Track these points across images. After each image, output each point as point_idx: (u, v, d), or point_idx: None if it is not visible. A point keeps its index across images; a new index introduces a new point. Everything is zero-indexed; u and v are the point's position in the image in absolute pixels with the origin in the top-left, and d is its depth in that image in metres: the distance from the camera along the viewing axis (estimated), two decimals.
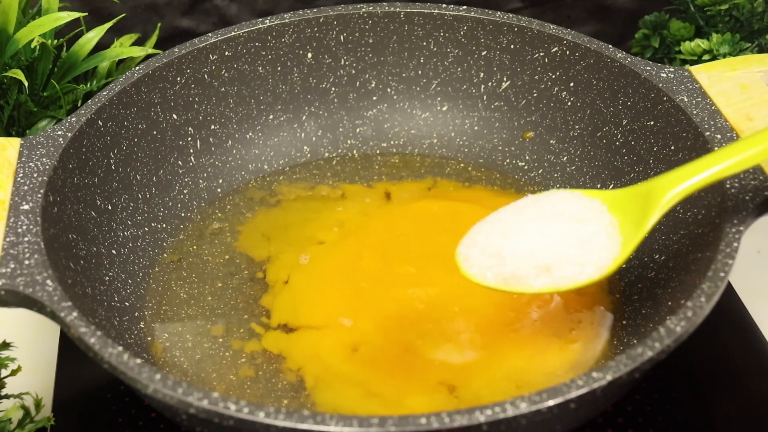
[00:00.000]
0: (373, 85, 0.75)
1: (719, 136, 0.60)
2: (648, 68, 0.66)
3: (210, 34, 0.71)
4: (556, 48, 0.70)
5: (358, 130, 0.76)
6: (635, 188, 0.55)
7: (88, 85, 0.76)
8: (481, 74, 0.74)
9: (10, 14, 0.72)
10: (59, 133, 0.62)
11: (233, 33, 0.71)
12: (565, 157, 0.71)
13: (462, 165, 0.74)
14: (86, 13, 0.78)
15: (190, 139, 0.71)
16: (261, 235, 0.69)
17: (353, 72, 0.75)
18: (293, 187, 0.73)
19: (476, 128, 0.75)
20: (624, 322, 0.61)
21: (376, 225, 0.69)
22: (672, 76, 0.65)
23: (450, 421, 0.45)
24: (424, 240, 0.67)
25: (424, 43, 0.74)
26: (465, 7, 0.72)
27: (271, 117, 0.74)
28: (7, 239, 0.55)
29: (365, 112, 0.76)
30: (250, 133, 0.74)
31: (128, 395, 0.61)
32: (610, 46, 0.68)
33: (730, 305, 0.67)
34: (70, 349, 0.64)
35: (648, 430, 0.59)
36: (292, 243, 0.68)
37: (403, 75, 0.75)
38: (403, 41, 0.74)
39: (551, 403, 0.45)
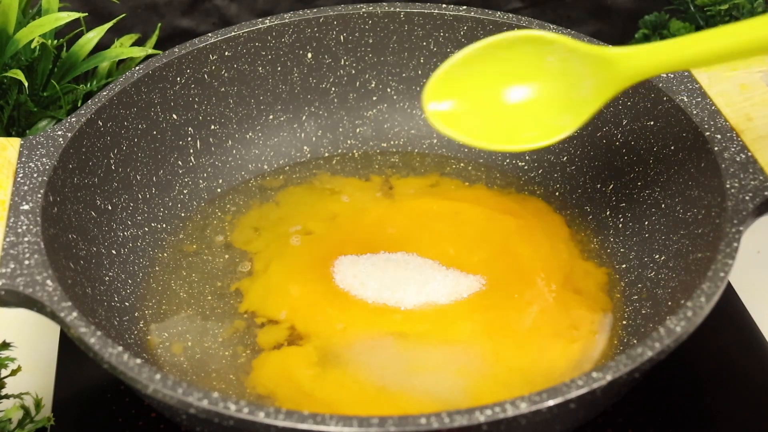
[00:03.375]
0: (373, 85, 0.75)
1: (719, 136, 0.60)
2: None
3: (210, 34, 0.71)
4: None
5: (358, 130, 0.76)
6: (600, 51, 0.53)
7: (88, 85, 0.76)
8: None
9: (10, 14, 0.72)
10: (59, 133, 0.62)
11: (233, 33, 0.71)
12: (565, 157, 0.71)
13: (462, 164, 0.74)
14: (86, 13, 0.78)
15: (190, 139, 0.71)
16: (252, 228, 0.69)
17: (353, 72, 0.75)
18: (291, 184, 0.73)
19: None
20: (624, 322, 0.61)
21: (368, 219, 0.69)
22: (672, 76, 0.65)
23: (450, 421, 0.45)
24: (416, 234, 0.67)
25: (424, 43, 0.74)
26: (465, 7, 0.72)
27: (271, 117, 0.74)
28: (7, 239, 0.55)
29: (365, 112, 0.76)
30: (250, 133, 0.74)
31: (128, 395, 0.61)
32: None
33: (730, 305, 0.67)
34: (70, 349, 0.64)
35: (648, 430, 0.59)
36: (281, 234, 0.68)
37: (403, 75, 0.75)
38: (403, 41, 0.74)
39: (551, 403, 0.45)
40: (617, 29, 0.92)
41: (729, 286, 0.68)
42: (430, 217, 0.68)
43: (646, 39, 0.84)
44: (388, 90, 0.75)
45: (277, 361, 0.60)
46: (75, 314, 0.51)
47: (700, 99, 0.63)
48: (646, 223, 0.64)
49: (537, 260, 0.65)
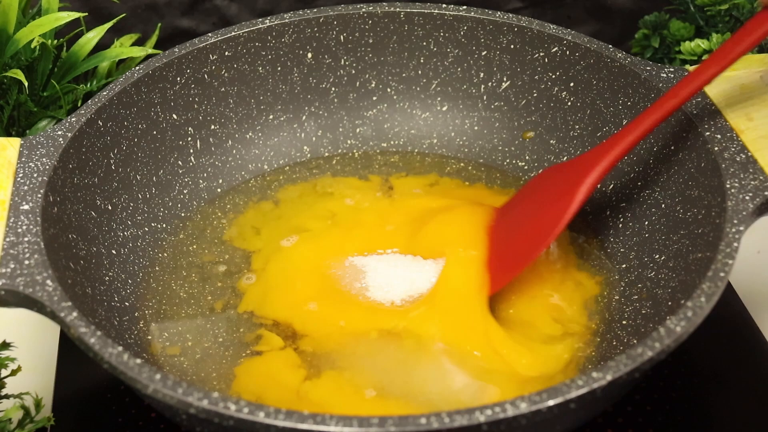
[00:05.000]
0: (373, 85, 0.75)
1: (719, 136, 0.60)
2: (648, 68, 0.66)
3: (210, 34, 0.71)
4: (556, 48, 0.70)
5: (358, 130, 0.76)
6: None
7: (88, 85, 0.76)
8: (481, 74, 0.74)
9: (10, 14, 0.72)
10: (59, 133, 0.62)
11: (233, 33, 0.71)
12: (565, 157, 0.71)
13: (462, 165, 0.74)
14: (86, 13, 0.78)
15: (190, 139, 0.71)
16: (251, 227, 0.69)
17: (353, 72, 0.75)
18: (291, 184, 0.73)
19: (476, 128, 0.75)
20: (624, 322, 0.61)
21: (367, 217, 0.69)
22: (672, 76, 0.65)
23: (450, 420, 0.45)
24: (415, 234, 0.67)
25: (424, 43, 0.74)
26: (465, 7, 0.72)
27: (271, 117, 0.74)
28: (7, 239, 0.55)
29: (365, 112, 0.76)
30: (250, 133, 0.74)
31: (128, 395, 0.61)
32: (610, 46, 0.68)
33: (730, 305, 0.67)
34: (70, 349, 0.64)
35: (648, 430, 0.59)
36: (281, 232, 0.68)
37: (403, 75, 0.75)
38: (403, 41, 0.74)
39: (551, 403, 0.45)
40: (617, 29, 0.93)
41: (729, 286, 0.68)
42: (426, 214, 0.68)
43: (646, 39, 0.84)
44: (388, 90, 0.75)
45: (262, 367, 0.59)
46: (75, 314, 0.51)
47: (700, 99, 0.63)
48: (646, 223, 0.64)
49: (520, 280, 0.64)
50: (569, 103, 0.71)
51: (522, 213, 0.64)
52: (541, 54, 0.71)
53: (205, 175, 0.72)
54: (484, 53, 0.73)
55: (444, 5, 0.73)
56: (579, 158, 0.62)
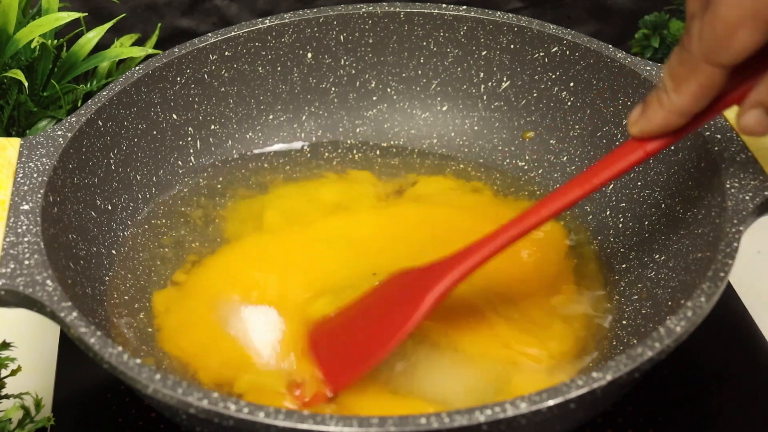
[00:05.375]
0: (373, 85, 0.75)
1: (719, 136, 0.60)
2: (648, 68, 0.66)
3: (210, 34, 0.71)
4: (556, 48, 0.70)
5: (358, 130, 0.76)
6: None
7: (88, 85, 0.76)
8: (481, 74, 0.74)
9: (10, 14, 0.72)
10: (59, 133, 0.62)
11: (233, 33, 0.71)
12: (565, 157, 0.71)
13: (462, 165, 0.74)
14: (86, 13, 0.78)
15: (190, 139, 0.71)
16: (241, 222, 0.69)
17: (353, 72, 0.75)
18: (291, 181, 0.73)
19: (476, 128, 0.75)
20: (624, 322, 0.61)
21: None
22: None
23: (450, 420, 0.45)
24: (402, 240, 0.66)
25: (424, 43, 0.74)
26: (465, 7, 0.72)
27: (271, 117, 0.74)
28: (7, 239, 0.55)
29: (365, 112, 0.76)
30: (250, 133, 0.74)
31: (128, 395, 0.61)
32: (610, 46, 0.68)
33: (730, 305, 0.67)
34: (70, 349, 0.64)
35: (648, 430, 0.59)
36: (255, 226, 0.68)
37: (403, 75, 0.75)
38: (403, 41, 0.74)
39: (551, 403, 0.45)
40: (617, 29, 0.93)
41: (729, 286, 0.68)
42: (411, 225, 0.68)
43: (646, 39, 0.84)
44: (388, 90, 0.75)
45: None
46: (75, 314, 0.51)
47: None
48: (646, 223, 0.64)
49: (521, 280, 0.64)
50: (569, 103, 0.71)
51: (367, 314, 0.60)
52: (541, 54, 0.71)
53: (205, 174, 0.72)
54: (484, 53, 0.73)
55: (444, 5, 0.73)
56: (431, 266, 0.57)
